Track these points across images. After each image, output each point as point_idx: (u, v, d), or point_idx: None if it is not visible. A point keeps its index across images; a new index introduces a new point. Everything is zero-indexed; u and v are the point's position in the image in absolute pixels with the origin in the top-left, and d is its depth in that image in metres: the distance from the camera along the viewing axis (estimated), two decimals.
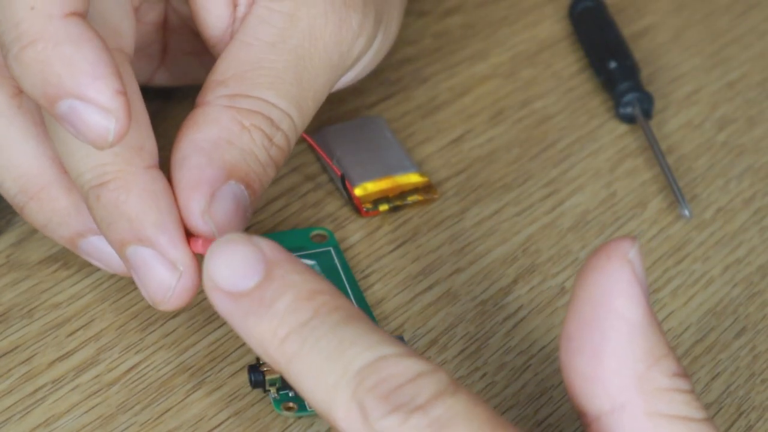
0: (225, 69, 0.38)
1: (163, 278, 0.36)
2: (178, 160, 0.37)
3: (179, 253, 0.36)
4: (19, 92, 0.39)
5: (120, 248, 0.36)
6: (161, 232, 0.36)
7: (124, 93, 0.33)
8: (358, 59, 0.42)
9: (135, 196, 0.36)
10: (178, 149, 0.37)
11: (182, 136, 0.37)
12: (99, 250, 0.39)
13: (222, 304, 0.31)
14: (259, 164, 0.37)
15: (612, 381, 0.30)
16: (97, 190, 0.36)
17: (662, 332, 0.31)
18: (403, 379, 0.29)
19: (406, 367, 0.29)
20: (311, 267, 0.42)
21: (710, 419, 0.30)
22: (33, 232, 0.44)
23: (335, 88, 0.45)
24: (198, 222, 0.36)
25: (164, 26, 0.46)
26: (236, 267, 0.31)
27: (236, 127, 0.37)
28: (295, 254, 0.42)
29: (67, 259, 0.43)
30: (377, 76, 0.52)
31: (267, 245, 0.32)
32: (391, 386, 0.29)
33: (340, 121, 0.50)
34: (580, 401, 0.31)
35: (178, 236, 0.36)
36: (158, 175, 0.36)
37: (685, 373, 0.30)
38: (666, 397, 0.30)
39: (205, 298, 0.41)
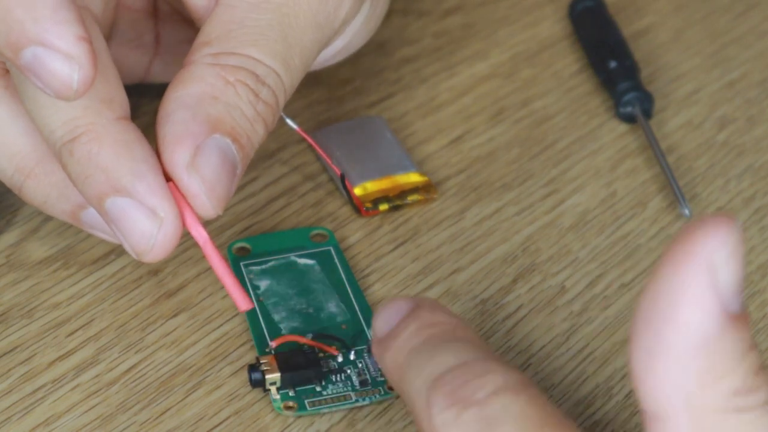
0: (210, 31, 0.38)
1: (144, 227, 0.35)
2: (162, 117, 0.36)
3: (158, 199, 0.35)
4: (4, 73, 0.39)
5: (98, 203, 0.36)
6: (138, 180, 0.35)
7: (87, 40, 0.33)
8: (345, 22, 0.41)
9: (108, 146, 0.35)
10: (163, 107, 0.37)
11: (167, 95, 0.37)
12: (101, 220, 0.38)
13: (375, 351, 0.33)
14: (245, 119, 0.37)
15: (659, 389, 0.27)
16: (70, 145, 0.35)
17: (738, 346, 0.27)
18: (471, 377, 0.29)
19: (480, 367, 0.30)
20: (311, 267, 0.42)
21: None
22: (33, 231, 0.44)
23: (331, 60, 0.45)
24: (183, 175, 0.36)
25: (155, 15, 0.46)
26: (388, 318, 0.33)
27: (220, 83, 0.37)
28: (295, 254, 0.43)
29: (67, 259, 0.43)
30: (377, 75, 0.52)
31: (421, 298, 0.33)
32: (459, 383, 0.29)
33: (340, 121, 0.50)
34: (636, 395, 0.28)
35: (156, 183, 0.35)
36: (131, 126, 0.36)
37: (754, 387, 0.27)
38: (717, 418, 0.27)
39: (205, 298, 0.42)
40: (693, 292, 0.26)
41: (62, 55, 0.33)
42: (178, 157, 0.36)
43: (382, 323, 0.33)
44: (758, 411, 0.27)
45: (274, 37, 0.38)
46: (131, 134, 0.36)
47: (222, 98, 0.37)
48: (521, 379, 0.29)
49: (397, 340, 0.32)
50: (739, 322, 0.27)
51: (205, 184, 0.36)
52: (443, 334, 0.32)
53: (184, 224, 0.36)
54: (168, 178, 0.36)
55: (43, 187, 0.39)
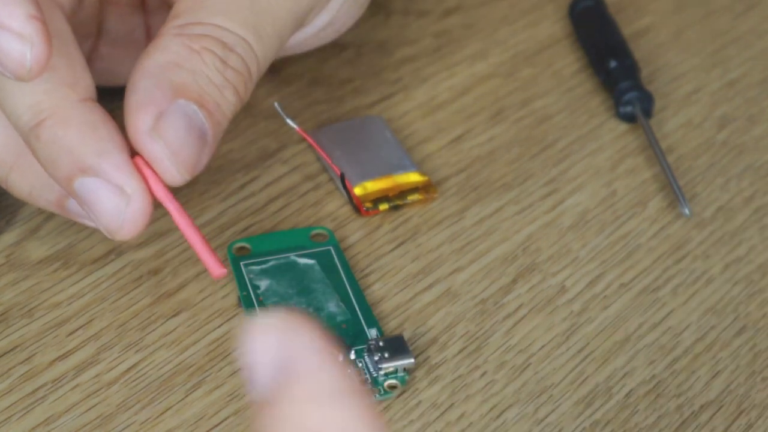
0: (180, 5, 0.38)
1: (113, 205, 0.35)
2: (127, 89, 0.37)
3: (124, 176, 0.35)
4: None
5: (68, 185, 0.36)
6: (103, 159, 0.35)
7: (39, 19, 0.33)
8: None
9: (73, 128, 0.35)
10: (129, 80, 0.37)
11: (133, 68, 0.37)
12: None
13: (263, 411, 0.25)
14: (212, 85, 0.37)
15: None
16: (36, 129, 0.36)
17: None
18: None
19: None
20: (311, 267, 0.42)
21: None
22: (33, 231, 0.44)
23: (317, 38, 0.44)
24: (145, 140, 0.36)
25: (143, 9, 0.46)
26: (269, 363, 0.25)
27: (185, 51, 0.37)
28: (295, 254, 0.43)
29: (67, 259, 0.43)
30: (377, 75, 0.52)
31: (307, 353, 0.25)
32: None
33: (340, 121, 0.50)
34: None
35: (122, 161, 0.35)
36: (95, 107, 0.36)
37: None
38: None
39: (205, 298, 0.42)
40: None
41: (14, 34, 0.33)
42: (140, 123, 0.36)
43: (263, 371, 0.24)
44: None
45: (243, 6, 0.38)
46: (96, 115, 0.36)
47: (186, 65, 0.37)
48: None
49: None
50: None
51: (169, 148, 0.36)
52: None
53: (155, 198, 0.36)
54: (135, 154, 0.36)
55: (27, 178, 0.39)
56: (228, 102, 0.37)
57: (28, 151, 0.38)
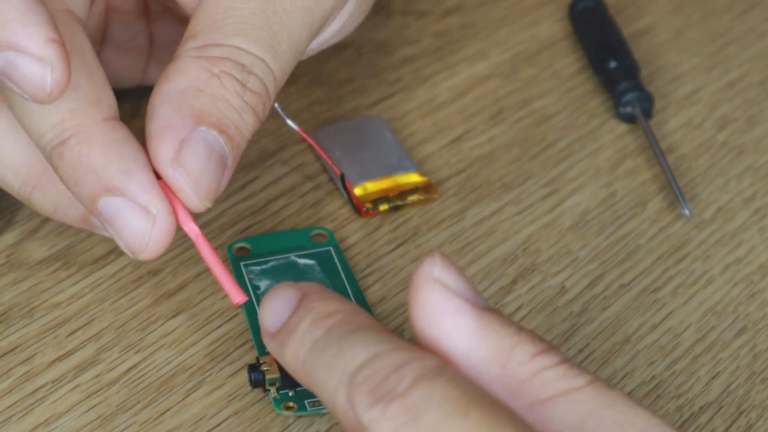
0: (196, 24, 0.38)
1: (138, 225, 0.35)
2: (148, 114, 0.36)
3: (150, 197, 0.35)
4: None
5: (92, 204, 0.36)
6: (128, 178, 0.35)
7: (58, 41, 0.33)
8: (337, 6, 0.41)
9: (97, 147, 0.35)
10: (150, 104, 0.37)
11: (153, 91, 0.37)
12: None
13: (270, 346, 0.32)
14: (232, 109, 0.37)
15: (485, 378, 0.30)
16: (60, 148, 0.35)
17: (504, 320, 0.30)
18: (389, 370, 0.29)
19: (394, 358, 0.29)
20: (311, 267, 0.42)
21: (596, 378, 0.30)
22: (33, 231, 0.44)
23: (326, 43, 0.44)
24: (167, 170, 0.35)
25: (146, 15, 0.46)
26: (276, 309, 0.32)
27: (205, 75, 0.37)
28: (295, 254, 0.43)
29: (67, 259, 0.43)
30: (377, 75, 0.52)
31: (306, 284, 0.32)
32: (378, 378, 0.29)
33: (340, 121, 0.50)
34: None
35: (147, 181, 0.35)
36: (119, 126, 0.36)
37: (548, 347, 0.30)
38: (537, 382, 0.29)
39: (205, 298, 0.42)
40: (438, 304, 0.30)
41: (33, 57, 0.33)
42: (162, 153, 0.36)
43: (271, 316, 0.32)
44: (563, 364, 0.29)
45: (259, 24, 0.38)
46: (120, 133, 0.36)
47: (207, 90, 0.36)
48: (436, 363, 0.29)
49: (294, 334, 0.31)
50: (493, 311, 0.30)
51: (191, 178, 0.36)
52: (344, 324, 0.30)
53: (176, 220, 0.36)
54: (159, 175, 0.36)
55: (51, 197, 0.39)
56: (247, 124, 0.37)
57: (51, 169, 0.38)
